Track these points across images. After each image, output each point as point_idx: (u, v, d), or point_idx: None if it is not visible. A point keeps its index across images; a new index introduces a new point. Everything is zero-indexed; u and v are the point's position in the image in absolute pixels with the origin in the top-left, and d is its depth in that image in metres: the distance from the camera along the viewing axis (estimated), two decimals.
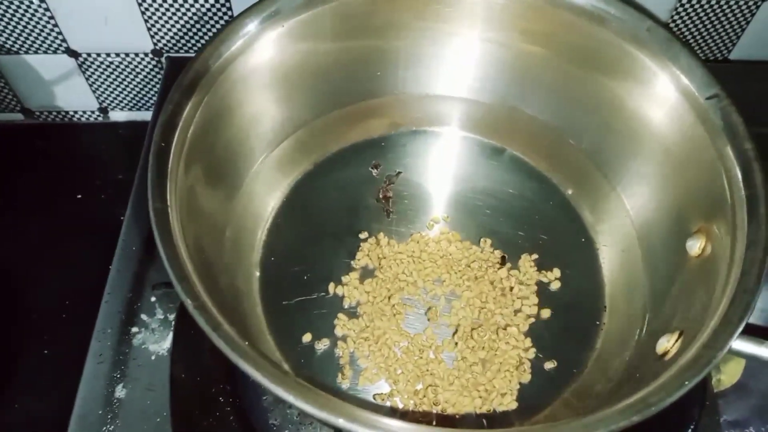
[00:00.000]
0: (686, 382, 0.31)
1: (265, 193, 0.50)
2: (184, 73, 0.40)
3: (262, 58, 0.45)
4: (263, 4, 0.43)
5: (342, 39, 0.48)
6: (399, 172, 0.52)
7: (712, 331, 0.33)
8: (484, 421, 0.43)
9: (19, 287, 0.62)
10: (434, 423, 0.42)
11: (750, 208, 0.37)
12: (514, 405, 0.44)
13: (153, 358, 0.49)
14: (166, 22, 0.63)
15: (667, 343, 0.38)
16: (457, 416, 0.43)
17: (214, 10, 0.62)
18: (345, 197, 0.52)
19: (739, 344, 0.34)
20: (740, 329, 0.33)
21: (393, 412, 0.43)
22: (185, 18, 0.62)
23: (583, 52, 0.48)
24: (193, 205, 0.40)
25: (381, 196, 0.52)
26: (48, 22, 0.62)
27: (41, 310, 0.60)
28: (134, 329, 0.50)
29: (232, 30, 0.42)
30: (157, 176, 0.36)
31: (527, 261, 0.50)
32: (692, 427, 0.45)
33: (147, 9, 0.61)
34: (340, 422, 0.29)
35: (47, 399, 0.55)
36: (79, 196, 0.68)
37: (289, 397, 0.30)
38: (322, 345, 0.46)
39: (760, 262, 0.35)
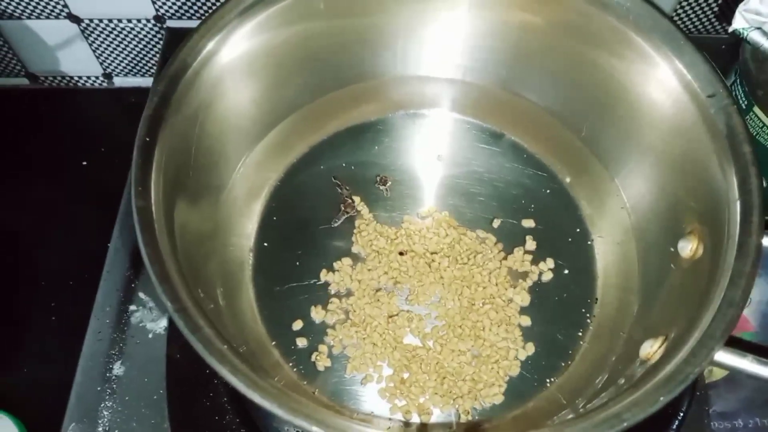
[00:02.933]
0: (661, 398, 0.31)
1: (258, 179, 0.50)
2: (169, 63, 0.39)
3: (247, 45, 0.44)
4: None
5: (330, 21, 0.47)
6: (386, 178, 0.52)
7: (694, 344, 0.33)
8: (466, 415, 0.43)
9: (26, 253, 0.63)
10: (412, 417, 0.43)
11: (743, 215, 0.36)
12: (500, 398, 0.44)
13: (150, 336, 0.50)
14: None
15: (650, 348, 0.38)
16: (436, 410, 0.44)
17: None
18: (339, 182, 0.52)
19: (721, 356, 0.33)
20: (721, 344, 0.33)
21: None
22: None
23: (585, 37, 0.46)
24: (180, 195, 0.40)
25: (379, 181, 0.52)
26: None
27: (48, 275, 0.61)
28: (132, 307, 0.51)
29: (216, 17, 0.41)
30: (141, 173, 0.36)
31: (521, 250, 0.49)
32: (681, 416, 0.45)
33: None
34: (314, 430, 0.30)
35: (54, 365, 0.57)
36: (85, 163, 0.69)
37: (264, 402, 0.31)
38: (312, 332, 0.46)
39: (748, 275, 0.34)
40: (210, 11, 0.61)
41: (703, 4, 0.61)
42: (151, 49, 0.70)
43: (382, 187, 0.52)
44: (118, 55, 0.70)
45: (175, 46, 0.63)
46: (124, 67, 0.72)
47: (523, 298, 0.47)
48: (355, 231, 0.50)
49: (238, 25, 0.42)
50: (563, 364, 0.45)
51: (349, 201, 0.50)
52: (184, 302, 0.33)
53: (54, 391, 0.54)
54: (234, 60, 0.43)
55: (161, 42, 0.68)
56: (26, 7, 0.64)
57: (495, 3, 0.47)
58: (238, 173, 0.48)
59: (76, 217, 0.65)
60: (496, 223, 0.50)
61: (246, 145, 0.49)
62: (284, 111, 0.50)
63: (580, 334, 0.46)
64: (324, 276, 0.48)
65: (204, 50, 0.41)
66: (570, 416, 0.33)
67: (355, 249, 0.49)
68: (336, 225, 0.50)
